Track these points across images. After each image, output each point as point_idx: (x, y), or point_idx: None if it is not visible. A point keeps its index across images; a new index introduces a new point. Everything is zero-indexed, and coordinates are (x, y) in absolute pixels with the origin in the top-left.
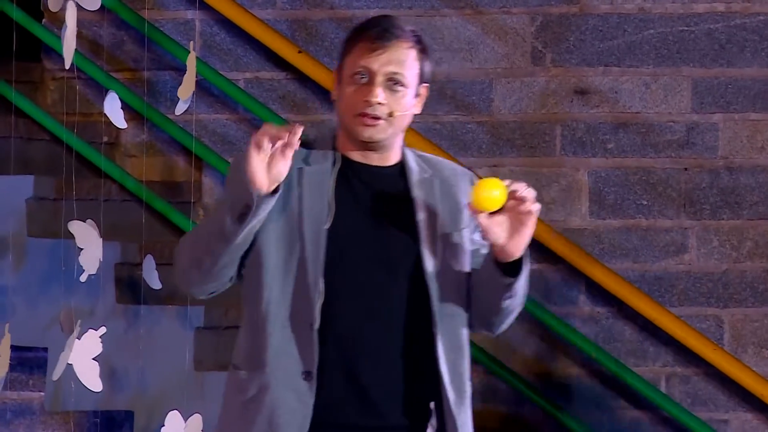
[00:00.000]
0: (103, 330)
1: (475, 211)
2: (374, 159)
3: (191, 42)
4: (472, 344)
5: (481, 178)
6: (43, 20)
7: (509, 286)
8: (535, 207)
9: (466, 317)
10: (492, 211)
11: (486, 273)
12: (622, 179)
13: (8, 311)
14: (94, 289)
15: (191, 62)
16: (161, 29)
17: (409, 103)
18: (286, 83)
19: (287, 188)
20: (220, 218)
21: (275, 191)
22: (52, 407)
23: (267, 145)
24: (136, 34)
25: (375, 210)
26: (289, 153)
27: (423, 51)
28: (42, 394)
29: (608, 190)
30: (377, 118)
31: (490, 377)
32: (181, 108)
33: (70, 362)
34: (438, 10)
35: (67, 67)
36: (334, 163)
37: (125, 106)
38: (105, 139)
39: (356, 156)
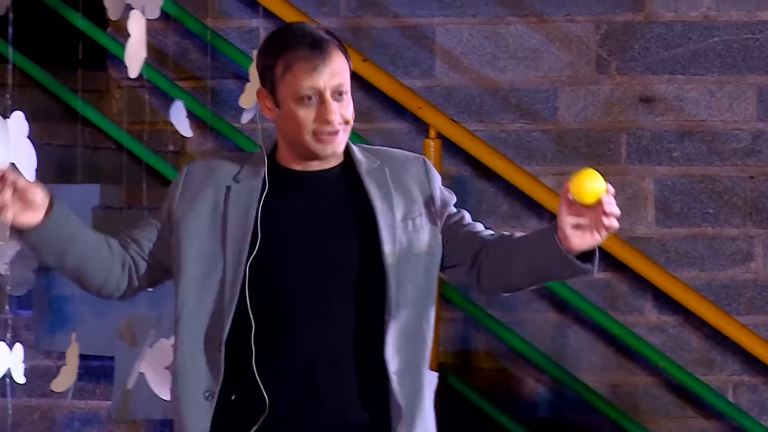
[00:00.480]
0: (173, 339)
1: (568, 198)
2: (315, 165)
3: (254, 50)
4: (538, 353)
5: (586, 168)
6: (108, 29)
7: (581, 272)
8: (614, 225)
9: (429, 303)
10: (585, 204)
11: (543, 250)
12: (687, 187)
13: (75, 320)
14: (162, 298)
15: (254, 70)
16: (225, 38)
17: (351, 103)
18: (351, 91)
19: (214, 206)
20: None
21: (49, 213)
22: (120, 416)
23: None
24: (201, 42)
25: (318, 216)
26: (18, 187)
27: (343, 48)
28: (109, 402)
29: (674, 198)
30: (336, 132)
31: (556, 386)
32: (246, 117)
33: (141, 371)
34: (502, 18)
35: (132, 76)
36: (266, 179)
37: (190, 115)
38: (171, 147)
39: (297, 166)
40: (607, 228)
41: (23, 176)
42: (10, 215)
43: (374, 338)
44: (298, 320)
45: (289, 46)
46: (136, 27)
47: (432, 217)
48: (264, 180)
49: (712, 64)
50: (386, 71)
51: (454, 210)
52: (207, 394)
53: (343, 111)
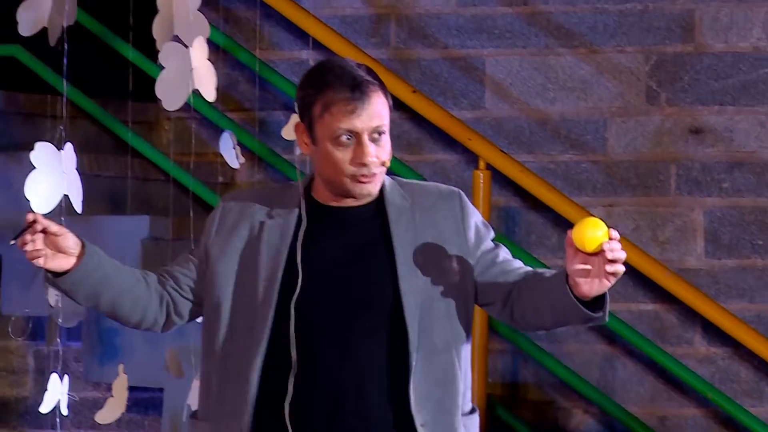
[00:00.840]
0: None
1: (573, 246)
2: (350, 201)
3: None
4: (586, 385)
5: (588, 217)
6: (158, 60)
7: (590, 320)
8: (620, 271)
9: (462, 345)
10: (587, 252)
11: (557, 295)
12: (737, 219)
13: (125, 352)
14: None
15: None
16: (275, 69)
17: (389, 143)
18: (401, 123)
19: (247, 242)
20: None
21: (80, 259)
22: None
23: (28, 248)
24: (250, 74)
25: (349, 256)
26: (50, 233)
27: (383, 86)
28: None
29: (723, 229)
30: (373, 174)
31: (605, 417)
32: (299, 148)
33: (188, 402)
34: (552, 50)
35: (168, 108)
36: (301, 214)
37: (240, 146)
38: (220, 179)
39: (332, 201)
40: (613, 274)
41: (53, 223)
42: (41, 261)
43: (399, 387)
44: (323, 359)
45: (328, 86)
46: (172, 59)
47: (465, 255)
48: (299, 216)
49: (762, 95)
50: (436, 102)
51: (491, 245)
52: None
53: (380, 153)
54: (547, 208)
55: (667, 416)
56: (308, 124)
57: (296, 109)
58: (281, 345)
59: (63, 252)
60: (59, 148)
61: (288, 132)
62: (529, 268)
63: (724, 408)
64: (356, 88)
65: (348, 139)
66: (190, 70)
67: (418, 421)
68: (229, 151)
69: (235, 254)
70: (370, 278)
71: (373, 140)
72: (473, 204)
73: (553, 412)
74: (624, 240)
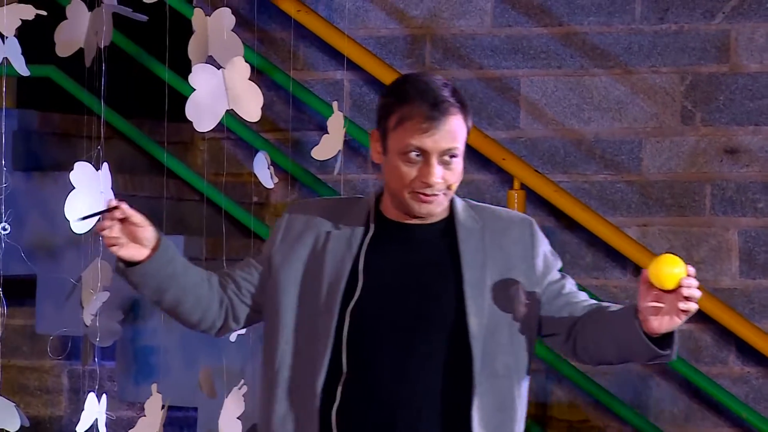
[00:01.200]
0: (245, 389)
1: (649, 283)
2: (417, 219)
3: (334, 102)
4: (621, 404)
5: (666, 254)
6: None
7: (656, 357)
8: (693, 309)
9: (523, 373)
10: (664, 288)
11: (625, 330)
12: None
13: (160, 371)
14: (246, 349)
15: (334, 122)
16: (311, 89)
17: (461, 167)
18: None
19: (312, 251)
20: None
21: (154, 253)
22: None
23: (106, 233)
24: (285, 94)
25: (413, 272)
26: (132, 223)
27: (465, 109)
28: None
29: (758, 249)
30: (435, 195)
31: None
32: (337, 167)
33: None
34: (587, 70)
35: (199, 129)
36: (367, 227)
37: (275, 166)
38: (255, 198)
39: (398, 217)
40: (685, 311)
41: (136, 213)
42: (116, 248)
43: (459, 408)
44: (379, 370)
45: (408, 100)
46: (202, 81)
47: (531, 283)
48: (365, 228)
49: None
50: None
51: (558, 276)
52: None
53: (448, 175)
54: (582, 227)
55: None
56: (382, 133)
57: (331, 129)
58: (341, 353)
59: (139, 243)
60: (96, 168)
61: (319, 152)
62: (594, 301)
63: (758, 428)
64: (435, 107)
65: (416, 156)
66: (223, 91)
67: None
68: (264, 171)
69: (299, 263)
70: (433, 295)
71: (443, 162)
72: None
73: (587, 431)
74: None
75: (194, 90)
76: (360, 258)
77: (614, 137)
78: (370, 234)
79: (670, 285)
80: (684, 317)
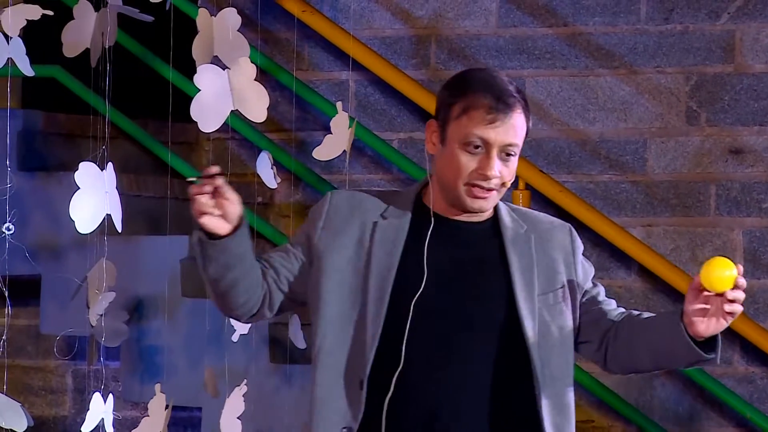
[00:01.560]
0: (245, 389)
1: (701, 287)
2: (465, 215)
3: (339, 102)
4: (626, 404)
5: (717, 257)
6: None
7: (703, 361)
8: (738, 310)
9: (572, 377)
10: (717, 291)
11: (667, 335)
12: None
13: (163, 371)
14: (250, 349)
15: (338, 122)
16: (316, 90)
17: (516, 167)
18: None
19: (358, 240)
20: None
21: (236, 230)
22: None
23: (202, 199)
24: (290, 94)
25: (464, 269)
26: (224, 196)
27: (527, 108)
28: None
29: (763, 249)
30: (490, 189)
31: None
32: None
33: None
34: (592, 70)
35: (204, 130)
36: (414, 219)
37: (279, 166)
38: (259, 199)
39: (445, 212)
40: (731, 314)
41: (230, 188)
42: (206, 218)
43: (525, 411)
44: (422, 366)
45: (475, 90)
46: (207, 81)
47: (573, 289)
48: (411, 220)
49: None
50: None
51: (591, 284)
52: (344, 430)
53: (504, 172)
54: (587, 227)
55: None
56: (442, 122)
57: (335, 129)
58: (390, 343)
59: (224, 218)
60: (101, 168)
61: (321, 153)
62: (624, 309)
63: (762, 427)
64: (501, 100)
65: (477, 147)
66: (228, 91)
67: None
68: (267, 171)
69: (345, 250)
70: (486, 295)
71: (502, 158)
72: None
73: (591, 431)
74: (663, 260)
75: (199, 90)
76: (424, 250)
77: (619, 137)
78: (431, 227)
79: (723, 288)
80: (730, 319)
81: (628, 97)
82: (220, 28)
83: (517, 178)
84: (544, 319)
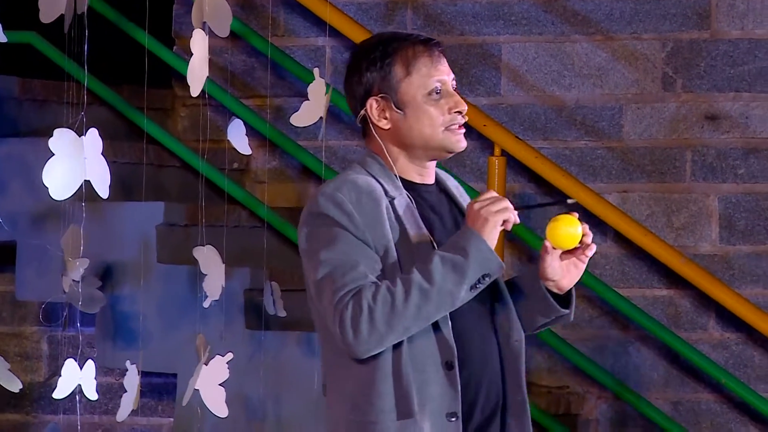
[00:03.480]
0: (230, 356)
1: (550, 248)
2: (427, 177)
3: (315, 68)
4: (601, 370)
5: (560, 215)
6: (174, 47)
7: (562, 317)
8: (592, 251)
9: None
10: (563, 249)
11: (533, 297)
12: (752, 205)
13: (138, 338)
14: (225, 315)
15: (315, 88)
16: (292, 56)
17: None
18: None
19: (390, 224)
20: (449, 290)
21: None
22: None
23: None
24: (267, 60)
25: (447, 229)
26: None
27: None
28: (171, 419)
29: (738, 215)
30: (463, 125)
31: (619, 403)
32: (321, 133)
33: (197, 388)
34: (568, 36)
35: (194, 94)
36: (408, 195)
37: (255, 133)
38: (235, 165)
39: (416, 177)
40: (588, 257)
41: None
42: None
43: (518, 375)
44: (473, 340)
45: (404, 47)
46: (199, 46)
47: None
48: (407, 195)
49: None
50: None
51: None
52: (449, 416)
53: None
54: (563, 194)
55: (680, 401)
56: (387, 92)
57: (312, 96)
58: (452, 320)
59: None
60: (79, 134)
61: (298, 119)
62: None
63: (737, 393)
64: (428, 42)
65: (438, 93)
66: (207, 57)
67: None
68: (240, 138)
69: (388, 234)
70: None
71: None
72: (489, 189)
73: (566, 397)
74: (639, 226)
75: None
76: (432, 219)
77: (595, 104)
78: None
79: (571, 244)
80: (585, 263)
81: (604, 63)
82: None
83: (493, 144)
84: None
